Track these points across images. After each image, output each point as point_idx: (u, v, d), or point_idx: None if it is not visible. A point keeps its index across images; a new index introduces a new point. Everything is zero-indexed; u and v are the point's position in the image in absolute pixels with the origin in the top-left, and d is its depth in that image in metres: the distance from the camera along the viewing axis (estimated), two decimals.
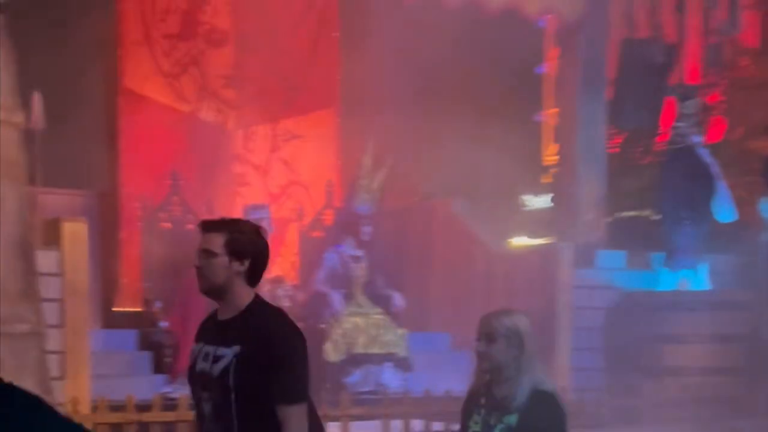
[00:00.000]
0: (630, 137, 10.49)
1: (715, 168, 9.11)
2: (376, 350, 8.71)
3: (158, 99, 9.60)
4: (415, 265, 10.33)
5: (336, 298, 8.65)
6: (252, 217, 8.26)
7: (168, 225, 8.91)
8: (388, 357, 8.74)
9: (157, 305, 8.46)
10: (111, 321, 9.19)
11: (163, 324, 8.33)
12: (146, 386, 8.01)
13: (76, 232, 7.08)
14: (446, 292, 9.96)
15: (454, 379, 9.15)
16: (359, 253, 8.99)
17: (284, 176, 10.21)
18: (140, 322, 8.77)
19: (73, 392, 6.91)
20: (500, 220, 10.09)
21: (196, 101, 9.80)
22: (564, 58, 9.76)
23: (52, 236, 7.14)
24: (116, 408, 6.78)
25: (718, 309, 8.67)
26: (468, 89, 10.52)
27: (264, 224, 8.36)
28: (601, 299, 9.08)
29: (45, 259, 6.91)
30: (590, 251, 9.20)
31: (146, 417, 6.83)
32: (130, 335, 8.63)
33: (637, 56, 9.89)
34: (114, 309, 9.16)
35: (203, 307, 8.10)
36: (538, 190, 10.49)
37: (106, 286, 9.43)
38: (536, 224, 10.19)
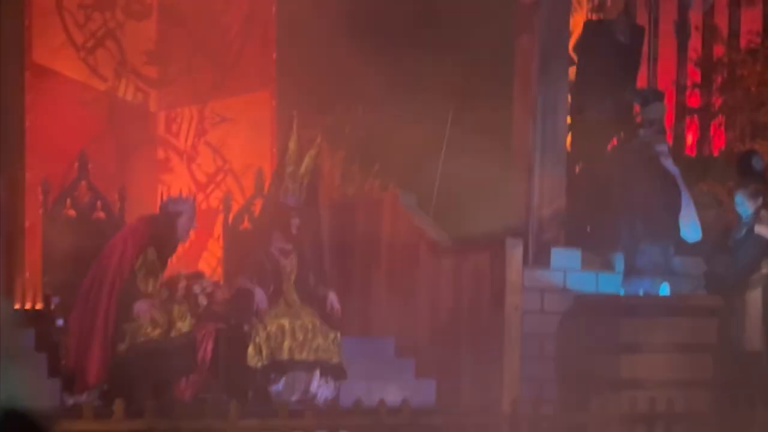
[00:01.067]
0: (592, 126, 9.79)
1: (680, 180, 8.48)
2: (303, 356, 7.98)
3: (70, 75, 8.92)
4: (358, 262, 9.65)
5: (260, 295, 7.94)
6: (171, 210, 7.56)
7: (72, 212, 8.16)
8: (317, 363, 8.00)
9: (55, 301, 7.71)
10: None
11: (59, 322, 7.57)
12: (35, 392, 7.23)
13: None
14: (391, 293, 9.27)
15: (394, 389, 8.56)
16: (288, 246, 8.26)
17: (212, 163, 9.52)
18: (38, 320, 8.02)
19: None
20: (451, 214, 9.40)
21: (113, 78, 9.12)
22: (521, 39, 9.08)
23: None
24: None
25: (682, 315, 8.01)
26: (428, 69, 9.86)
27: (183, 219, 7.83)
28: (554, 302, 8.40)
29: None
30: (544, 249, 8.52)
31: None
32: (28, 335, 7.86)
33: (602, 37, 9.22)
34: (16, 306, 8.42)
35: (105, 305, 7.41)
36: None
37: (9, 280, 8.72)
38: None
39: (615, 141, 9.44)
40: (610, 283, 8.50)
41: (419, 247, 9.09)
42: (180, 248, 9.21)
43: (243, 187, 9.51)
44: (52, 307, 7.80)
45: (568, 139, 9.23)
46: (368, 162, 10.65)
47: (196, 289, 8.06)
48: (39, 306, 8.33)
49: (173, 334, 7.61)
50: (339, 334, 8.18)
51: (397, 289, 9.21)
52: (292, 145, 8.16)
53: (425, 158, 9.69)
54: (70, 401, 7.29)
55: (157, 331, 7.54)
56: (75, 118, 8.84)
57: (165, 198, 7.79)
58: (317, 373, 8.03)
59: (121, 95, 9.12)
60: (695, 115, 10.36)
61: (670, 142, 9.57)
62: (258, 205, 8.88)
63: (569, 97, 9.21)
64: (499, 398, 8.05)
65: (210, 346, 8.03)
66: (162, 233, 7.62)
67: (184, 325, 7.66)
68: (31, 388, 6.95)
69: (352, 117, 10.51)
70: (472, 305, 8.53)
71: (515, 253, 8.24)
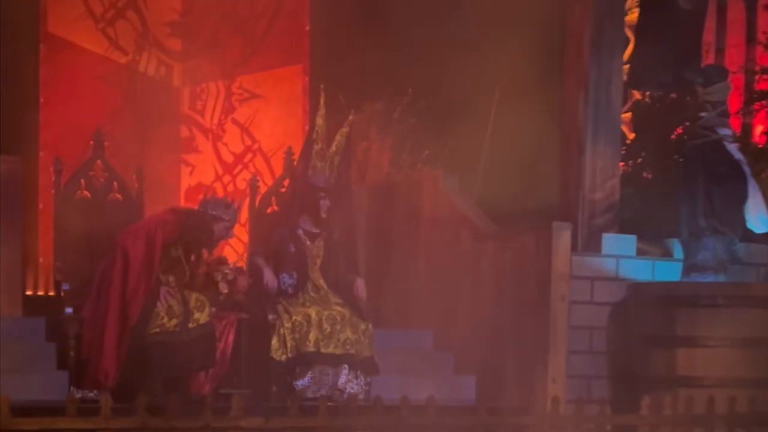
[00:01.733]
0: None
1: (746, 167, 7.84)
2: (330, 349, 7.47)
3: (88, 47, 8.49)
4: (395, 248, 9.12)
5: (269, 275, 7.49)
6: (210, 212, 7.12)
7: (87, 194, 7.73)
8: (345, 357, 7.49)
9: (65, 288, 7.27)
10: (27, 306, 8.07)
11: (68, 310, 7.13)
12: (42, 384, 6.85)
13: None
14: (430, 282, 8.75)
15: (431, 385, 8.03)
16: (316, 230, 7.75)
17: (239, 143, 9.03)
18: (49, 308, 7.60)
19: None
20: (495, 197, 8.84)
21: (134, 51, 8.69)
22: (573, 4, 8.46)
23: None
24: None
25: (746, 306, 7.36)
26: (467, 46, 9.32)
27: (221, 227, 7.25)
28: (605, 292, 7.80)
29: None
30: (595, 234, 7.92)
31: (26, 424, 5.62)
32: (39, 324, 7.46)
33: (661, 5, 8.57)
34: (27, 293, 8.02)
35: (119, 294, 6.96)
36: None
37: (25, 266, 8.33)
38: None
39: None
40: (667, 271, 7.89)
41: (460, 233, 8.55)
42: None
43: (272, 168, 9.03)
44: (62, 294, 7.35)
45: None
46: (417, 148, 10.21)
47: (218, 276, 7.59)
48: (51, 293, 7.91)
49: (190, 325, 7.12)
50: (370, 326, 7.67)
51: (436, 277, 8.67)
52: (320, 121, 7.65)
53: (473, 141, 9.19)
54: (78, 395, 6.83)
55: (173, 322, 7.05)
56: (92, 94, 8.44)
57: (208, 196, 7.31)
58: (346, 367, 7.52)
59: (142, 69, 8.69)
60: (765, 101, 9.67)
61: (737, 129, 8.94)
62: (287, 187, 8.39)
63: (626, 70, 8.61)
64: (542, 397, 7.48)
65: (231, 338, 7.55)
66: (194, 234, 7.16)
67: (201, 316, 7.17)
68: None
69: (401, 102, 10.11)
70: (516, 295, 7.96)
71: (563, 238, 7.65)
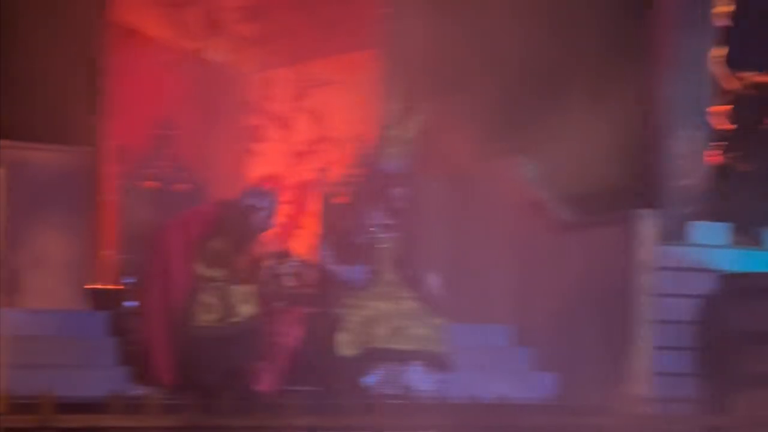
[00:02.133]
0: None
1: None
2: (401, 345, 7.18)
3: (155, 34, 8.30)
4: (473, 241, 8.80)
5: (345, 273, 7.21)
6: (249, 203, 6.88)
7: (152, 184, 7.56)
8: (417, 354, 7.19)
9: (126, 281, 7.10)
10: (93, 300, 7.95)
11: (129, 304, 6.95)
12: (102, 380, 6.68)
13: None
14: (507, 275, 8.43)
15: (509, 383, 7.71)
16: (389, 221, 7.46)
17: (310, 131, 8.77)
18: (111, 302, 7.45)
19: None
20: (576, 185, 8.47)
21: (202, 38, 8.45)
22: None
23: None
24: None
25: None
26: (549, 25, 8.96)
27: (261, 216, 6.99)
28: (693, 284, 7.42)
29: None
30: (682, 224, 7.52)
31: (70, 421, 5.45)
32: (100, 318, 7.31)
33: None
34: (87, 286, 7.87)
35: (161, 289, 6.76)
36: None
37: (88, 259, 8.20)
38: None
39: None
40: (759, 262, 7.46)
41: (539, 223, 8.21)
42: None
43: (344, 157, 8.76)
44: (123, 287, 7.19)
45: None
46: (496, 139, 9.88)
47: (282, 269, 7.36)
48: (114, 286, 7.76)
49: (234, 319, 6.89)
50: (443, 321, 7.36)
51: (514, 270, 8.35)
52: (395, 105, 7.35)
53: (552, 128, 8.82)
54: (136, 392, 6.65)
55: (213, 317, 6.82)
56: (159, 82, 8.24)
57: (246, 188, 7.07)
58: (417, 364, 7.22)
59: (210, 56, 8.45)
60: None
61: None
62: (358, 176, 8.12)
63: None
64: (626, 395, 7.11)
65: (297, 332, 7.31)
66: (234, 225, 6.92)
67: (246, 309, 6.92)
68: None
69: (481, 92, 9.80)
70: (598, 287, 7.61)
71: (647, 226, 7.31)
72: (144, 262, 6.85)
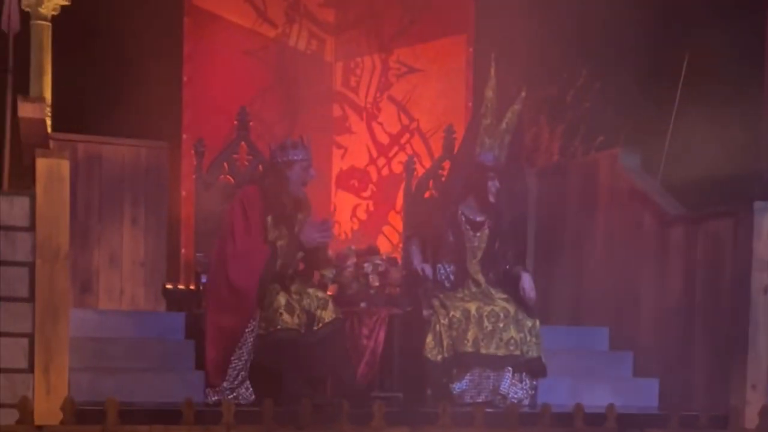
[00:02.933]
0: None
1: None
2: (492, 349, 6.79)
3: (234, 20, 8.00)
4: (568, 236, 8.40)
5: (431, 272, 6.86)
6: (280, 161, 6.53)
7: (230, 179, 7.26)
8: (509, 359, 6.80)
9: (204, 281, 6.82)
10: (169, 301, 7.71)
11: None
12: (179, 385, 6.43)
13: (53, 172, 5.51)
14: (607, 273, 8.01)
15: (607, 389, 7.29)
16: (481, 217, 7.07)
17: (396, 122, 8.41)
18: (189, 303, 7.19)
19: (42, 390, 5.38)
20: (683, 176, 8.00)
21: (283, 24, 8.15)
22: None
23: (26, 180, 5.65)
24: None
25: None
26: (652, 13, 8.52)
27: (296, 169, 6.52)
28: None
29: (7, 208, 5.47)
30: None
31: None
32: (178, 319, 7.05)
33: None
34: (167, 286, 7.63)
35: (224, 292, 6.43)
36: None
37: (169, 258, 7.97)
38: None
39: None
40: None
41: (643, 217, 7.75)
42: (356, 223, 8.22)
43: (431, 149, 8.41)
44: (201, 287, 6.91)
45: None
46: (591, 134, 9.45)
47: (367, 267, 7.01)
48: (192, 286, 7.49)
49: (315, 327, 6.54)
50: (538, 323, 6.96)
51: (614, 267, 7.93)
52: (489, 93, 6.96)
53: (655, 116, 8.36)
54: (213, 398, 6.38)
55: (295, 319, 6.48)
56: (238, 70, 7.98)
57: (272, 146, 6.70)
58: (509, 369, 6.82)
59: (292, 43, 8.16)
60: None
61: None
62: (447, 169, 7.74)
63: None
64: (740, 405, 6.62)
65: (382, 336, 6.97)
66: (272, 190, 6.53)
67: (326, 314, 6.57)
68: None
69: (575, 84, 9.37)
70: (708, 286, 7.15)
71: (765, 219, 6.78)
72: (214, 259, 6.56)
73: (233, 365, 6.35)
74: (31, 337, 5.50)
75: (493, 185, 7.01)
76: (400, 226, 8.23)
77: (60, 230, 5.50)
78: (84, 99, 8.27)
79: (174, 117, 7.92)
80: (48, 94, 8.34)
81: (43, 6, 8.67)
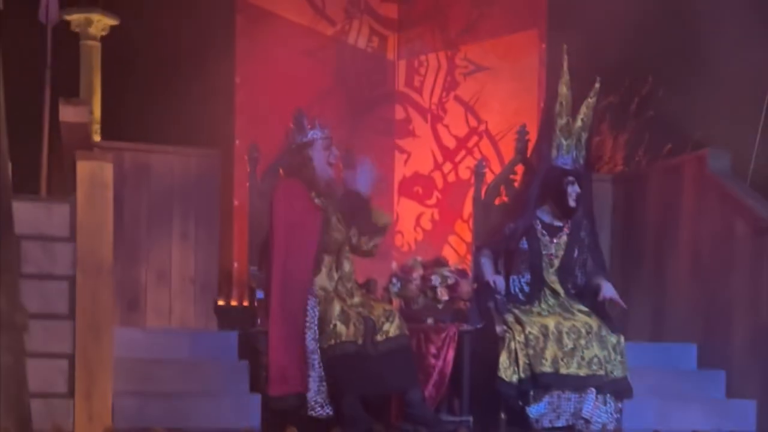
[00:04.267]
0: None
1: None
2: (573, 369, 6.33)
3: (290, 18, 7.68)
4: (648, 247, 7.97)
5: (500, 284, 6.46)
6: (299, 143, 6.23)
7: None
8: (592, 379, 6.34)
9: (259, 297, 6.44)
10: (221, 319, 7.36)
11: (260, 321, 6.29)
12: (234, 409, 6.05)
13: (96, 177, 5.15)
14: (694, 284, 7.56)
15: (697, 412, 6.82)
16: (558, 224, 6.63)
17: (463, 124, 7.98)
18: (244, 321, 6.82)
19: (84, 416, 5.00)
20: None
21: (342, 21, 7.77)
22: None
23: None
24: None
25: None
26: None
27: (316, 149, 6.25)
28: None
29: (45, 216, 5.09)
30: None
31: None
32: (231, 339, 6.68)
33: None
34: (219, 303, 7.26)
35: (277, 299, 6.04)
36: None
37: (221, 273, 7.62)
38: None
39: None
40: None
41: (735, 224, 7.27)
42: (420, 233, 7.82)
43: (501, 153, 7.97)
44: (255, 303, 6.52)
45: None
46: (657, 143, 8.98)
47: (435, 280, 6.60)
48: (245, 303, 7.12)
49: (379, 337, 6.11)
50: (623, 339, 6.51)
51: (701, 278, 7.47)
52: (564, 89, 6.54)
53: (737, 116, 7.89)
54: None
55: (351, 329, 6.05)
56: (295, 71, 7.62)
57: (287, 132, 6.37)
58: (593, 391, 6.36)
59: (351, 41, 7.78)
60: None
61: None
62: (520, 173, 7.31)
63: None
64: None
65: (451, 354, 6.54)
66: (306, 173, 6.22)
67: (391, 328, 6.14)
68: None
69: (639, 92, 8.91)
70: None
71: None
72: (269, 273, 6.17)
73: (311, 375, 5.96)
74: (71, 358, 5.12)
75: (573, 190, 6.61)
76: (467, 236, 7.80)
77: (103, 241, 5.14)
78: (132, 111, 7.97)
79: (226, 122, 7.56)
80: (98, 113, 8.08)
81: (92, 26, 8.54)
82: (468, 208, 7.85)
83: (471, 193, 7.85)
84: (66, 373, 5.13)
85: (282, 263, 6.05)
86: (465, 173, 7.89)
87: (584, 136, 6.68)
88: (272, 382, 6.03)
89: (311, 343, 5.98)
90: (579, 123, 6.64)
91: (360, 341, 6.05)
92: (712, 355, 7.32)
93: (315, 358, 5.99)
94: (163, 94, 7.99)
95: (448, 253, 7.59)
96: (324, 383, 6.00)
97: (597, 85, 6.63)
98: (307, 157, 6.25)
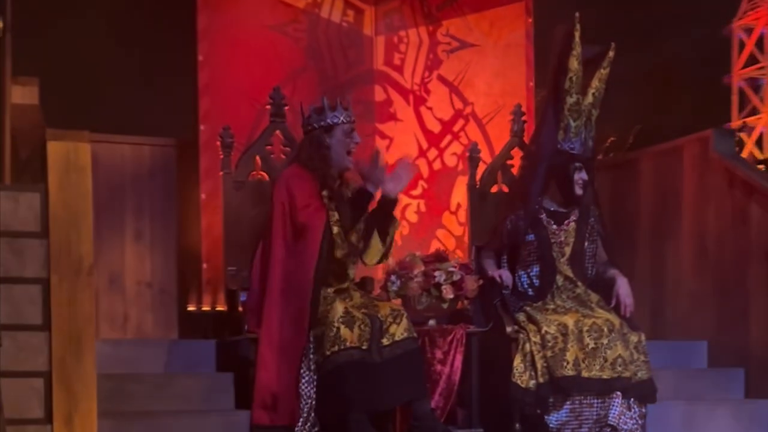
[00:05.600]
0: None
1: None
2: (595, 371, 5.74)
3: None
4: (643, 237, 7.48)
5: (507, 278, 5.90)
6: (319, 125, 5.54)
7: (264, 175, 6.20)
8: (618, 382, 5.77)
9: (243, 299, 5.73)
10: (185, 326, 6.62)
11: (247, 328, 5.57)
12: (220, 428, 5.35)
13: (71, 160, 4.40)
14: (702, 276, 7.07)
15: (728, 415, 6.32)
16: (564, 210, 6.03)
17: (448, 106, 7.37)
18: (221, 326, 6.10)
19: None
20: None
21: None
22: None
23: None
24: None
25: None
26: None
27: (337, 134, 5.54)
28: None
29: (10, 207, 4.34)
30: None
31: None
32: (208, 347, 5.96)
33: None
34: (189, 308, 6.54)
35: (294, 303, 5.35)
36: None
37: (185, 274, 6.90)
38: None
39: None
40: None
41: (748, 209, 6.81)
42: (406, 226, 7.18)
43: (488, 137, 7.36)
44: (240, 308, 5.79)
45: None
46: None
47: (439, 276, 5.94)
48: (220, 307, 6.40)
49: (384, 341, 5.42)
50: (643, 337, 5.98)
51: (710, 269, 7.00)
52: (575, 64, 5.94)
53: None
54: None
55: (356, 331, 5.36)
56: (264, 48, 6.92)
57: (305, 112, 5.63)
58: (618, 395, 5.78)
59: (325, 15, 7.08)
60: None
61: None
62: (517, 158, 6.71)
63: None
64: None
65: (459, 360, 5.90)
66: (318, 165, 5.50)
67: (398, 330, 5.46)
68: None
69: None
70: None
71: None
72: (256, 272, 5.45)
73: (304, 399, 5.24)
74: (47, 376, 4.34)
75: (580, 177, 6.05)
76: (456, 229, 7.19)
77: (81, 236, 4.39)
78: (74, 94, 7.18)
79: (188, 106, 6.81)
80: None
81: None
82: (456, 198, 7.24)
83: (458, 182, 7.29)
84: (41, 394, 4.35)
85: (281, 263, 5.32)
86: (451, 160, 7.27)
87: (594, 114, 6.10)
88: (257, 407, 5.34)
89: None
90: (590, 99, 6.05)
91: (365, 346, 5.36)
92: (726, 352, 6.84)
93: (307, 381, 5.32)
94: (110, 75, 7.24)
95: (435, 247, 6.94)
96: (312, 411, 5.31)
97: (611, 53, 6.05)
98: (324, 145, 5.52)
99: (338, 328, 5.34)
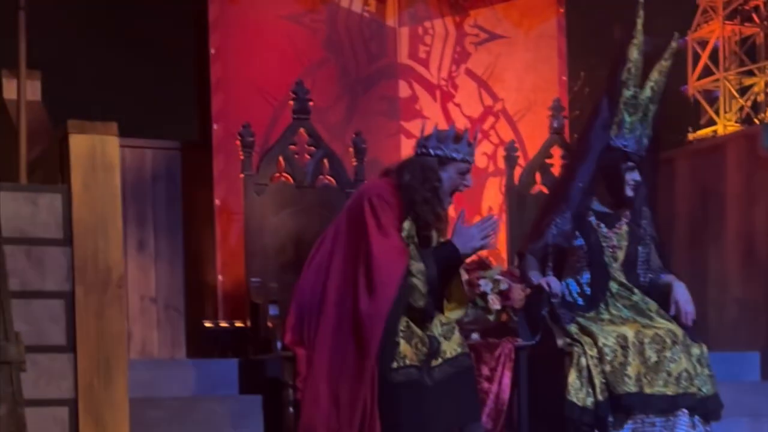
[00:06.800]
0: None
1: None
2: (659, 387, 5.32)
3: None
4: (682, 241, 7.10)
5: (555, 286, 5.40)
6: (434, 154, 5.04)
7: (288, 178, 5.75)
8: (684, 398, 5.35)
9: (272, 313, 5.24)
10: (197, 344, 6.15)
11: (281, 345, 5.07)
12: None
13: (97, 157, 3.92)
14: (748, 285, 6.69)
15: None
16: (619, 215, 5.59)
17: (477, 102, 6.96)
18: (243, 344, 5.60)
19: None
20: None
21: None
22: None
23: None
24: None
25: None
26: None
27: (451, 171, 5.13)
28: None
29: (29, 211, 3.83)
30: None
31: None
32: (230, 367, 5.46)
33: None
34: (206, 324, 6.06)
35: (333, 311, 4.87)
36: None
37: (194, 287, 6.46)
38: None
39: None
40: None
41: None
42: None
43: (521, 136, 6.96)
44: (269, 323, 5.29)
45: None
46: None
47: (485, 285, 5.49)
48: (239, 323, 5.91)
49: (434, 362, 4.94)
50: (706, 349, 5.55)
51: (760, 276, 6.61)
52: (634, 54, 5.50)
53: None
54: None
55: (413, 349, 4.88)
56: (280, 40, 6.49)
57: (421, 134, 5.15)
58: (684, 412, 5.36)
59: (345, 4, 6.69)
60: None
61: None
62: (557, 157, 6.29)
63: None
64: None
65: (508, 377, 5.45)
66: (415, 194, 4.97)
67: (449, 347, 4.99)
68: None
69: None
70: None
71: None
72: (307, 284, 4.95)
73: None
74: (72, 404, 3.83)
75: (631, 177, 5.61)
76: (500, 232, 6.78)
77: (110, 242, 3.90)
78: (75, 91, 6.72)
79: (200, 101, 6.36)
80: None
81: None
82: (487, 201, 6.82)
83: (488, 183, 6.88)
84: (65, 425, 3.85)
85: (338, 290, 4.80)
86: (481, 161, 6.85)
87: (652, 109, 5.67)
88: None
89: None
90: (648, 92, 5.62)
91: (421, 365, 4.88)
92: None
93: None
94: (114, 71, 6.79)
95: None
96: None
97: (674, 44, 5.63)
98: (438, 177, 5.00)
99: (398, 343, 4.86)
